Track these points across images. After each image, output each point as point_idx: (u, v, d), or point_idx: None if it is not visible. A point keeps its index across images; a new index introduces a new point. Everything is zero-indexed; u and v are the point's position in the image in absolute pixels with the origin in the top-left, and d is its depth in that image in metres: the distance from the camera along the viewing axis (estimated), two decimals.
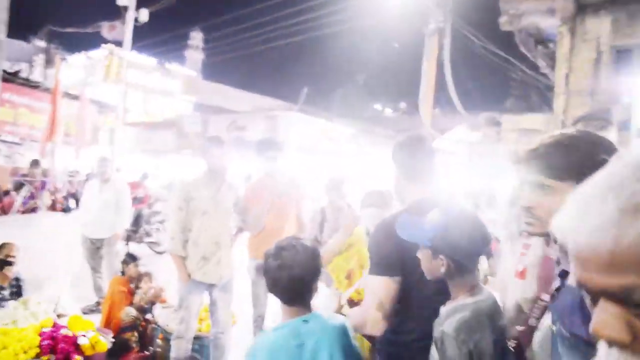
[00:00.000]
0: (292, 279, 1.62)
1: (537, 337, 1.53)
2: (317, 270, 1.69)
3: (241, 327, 4.40)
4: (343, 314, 2.05)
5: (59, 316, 3.86)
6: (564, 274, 1.29)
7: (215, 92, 25.79)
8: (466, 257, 1.62)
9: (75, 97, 10.82)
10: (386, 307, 1.77)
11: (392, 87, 32.81)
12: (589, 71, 9.44)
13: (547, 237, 1.85)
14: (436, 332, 1.60)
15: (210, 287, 3.66)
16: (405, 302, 1.82)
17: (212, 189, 3.66)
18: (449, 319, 1.59)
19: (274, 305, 4.40)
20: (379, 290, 1.78)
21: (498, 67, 13.42)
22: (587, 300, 0.63)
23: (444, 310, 1.64)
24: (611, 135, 8.42)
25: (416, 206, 1.92)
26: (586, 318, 1.16)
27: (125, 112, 15.66)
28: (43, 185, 5.94)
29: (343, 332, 1.73)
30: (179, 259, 3.54)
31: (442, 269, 1.62)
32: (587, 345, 1.14)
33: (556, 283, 1.34)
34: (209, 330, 4.11)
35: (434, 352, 1.63)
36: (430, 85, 10.47)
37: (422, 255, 1.65)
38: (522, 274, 1.96)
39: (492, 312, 1.64)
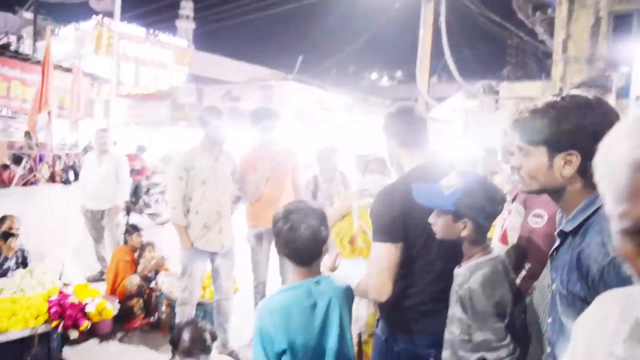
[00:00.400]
0: (303, 240, 1.64)
1: (536, 297, 1.60)
2: (326, 231, 1.71)
3: (243, 294, 4.50)
4: None
5: (64, 285, 3.93)
6: (562, 234, 1.34)
7: (208, 62, 25.46)
8: (488, 218, 1.68)
9: (67, 70, 10.67)
10: (389, 273, 1.81)
11: (388, 56, 32.49)
12: (587, 37, 9.39)
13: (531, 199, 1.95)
14: (462, 291, 1.65)
15: (213, 254, 3.72)
16: (408, 267, 1.85)
17: (210, 159, 3.68)
18: (473, 275, 1.65)
19: (274, 272, 4.51)
20: (382, 257, 1.81)
21: (495, 34, 13.30)
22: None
23: (462, 270, 1.69)
24: (609, 101, 8.43)
25: (416, 172, 1.94)
26: (583, 276, 1.23)
27: (118, 84, 15.49)
28: (41, 157, 5.92)
29: (350, 294, 1.78)
30: (181, 227, 3.58)
31: (465, 232, 1.66)
32: (584, 302, 1.20)
33: (556, 243, 1.38)
34: (212, 297, 4.21)
35: (455, 312, 1.68)
36: (427, 53, 10.38)
37: (442, 220, 1.68)
38: (503, 238, 2.05)
39: (504, 267, 1.71)
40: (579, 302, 1.24)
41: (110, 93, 10.16)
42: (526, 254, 1.98)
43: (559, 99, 1.29)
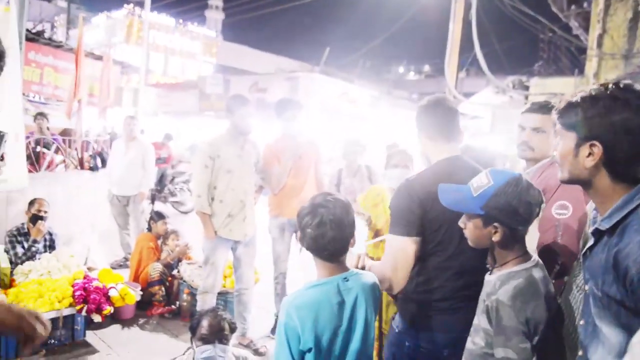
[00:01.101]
0: (332, 235, 1.59)
1: (566, 295, 1.53)
2: (353, 225, 1.66)
3: (263, 284, 4.51)
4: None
5: (89, 269, 4.01)
6: (597, 232, 1.29)
7: (235, 53, 25.58)
8: (523, 222, 1.54)
9: (98, 58, 10.84)
10: (405, 267, 1.77)
11: (415, 50, 32.05)
12: (624, 32, 9.03)
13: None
14: (489, 301, 1.55)
15: (235, 244, 3.74)
16: (427, 262, 1.81)
17: (236, 148, 3.68)
18: (503, 286, 1.53)
19: (294, 263, 4.50)
20: (399, 250, 1.78)
21: (528, 28, 12.93)
22: None
23: (493, 277, 1.59)
24: None
25: (438, 166, 1.90)
26: (620, 278, 1.17)
27: (147, 73, 15.71)
28: (70, 143, 6.05)
29: (375, 289, 1.73)
30: (205, 216, 3.60)
31: (496, 237, 1.55)
32: (620, 306, 1.17)
33: (590, 242, 1.33)
34: (232, 287, 4.23)
35: (480, 322, 1.60)
36: (456, 47, 10.18)
37: (470, 225, 1.58)
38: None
39: (542, 277, 1.57)
40: (615, 305, 1.19)
41: (140, 82, 10.29)
42: (556, 249, 1.92)
43: (603, 88, 1.25)
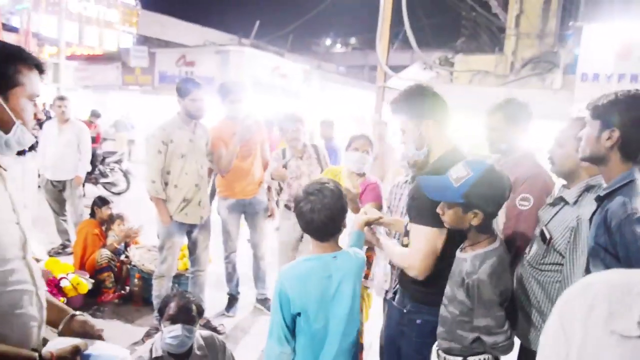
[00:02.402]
0: (323, 220, 1.79)
1: (524, 270, 2.08)
2: (344, 209, 1.86)
3: (214, 265, 4.56)
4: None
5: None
6: (599, 199, 1.68)
7: (158, 23, 24.31)
8: (497, 205, 1.76)
9: (12, 30, 9.92)
10: (434, 256, 1.90)
11: (343, 22, 32.17)
12: (538, 13, 9.73)
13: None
14: (469, 280, 1.74)
15: (191, 227, 3.76)
16: (448, 250, 1.92)
17: (188, 132, 3.66)
18: (482, 266, 1.73)
19: (245, 243, 4.59)
20: (430, 241, 1.88)
21: (451, 5, 13.49)
22: None
23: (468, 256, 1.77)
24: (556, 77, 8.89)
25: (452, 155, 1.97)
26: (606, 229, 1.55)
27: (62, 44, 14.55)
28: None
29: (362, 267, 1.95)
30: (160, 201, 3.58)
31: (475, 222, 1.74)
32: (605, 251, 1.56)
33: (593, 207, 1.72)
34: (185, 269, 4.26)
35: (456, 294, 1.79)
36: (387, 21, 10.37)
37: (451, 212, 1.76)
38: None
39: (507, 254, 1.83)
40: (603, 251, 1.56)
41: (60, 55, 9.56)
42: (516, 234, 2.25)
43: (626, 91, 1.66)
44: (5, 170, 1.43)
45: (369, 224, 2.21)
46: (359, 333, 1.97)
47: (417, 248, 1.92)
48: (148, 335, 3.64)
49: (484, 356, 1.80)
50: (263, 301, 4.45)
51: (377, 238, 2.21)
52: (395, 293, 2.17)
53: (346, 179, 3.34)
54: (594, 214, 1.70)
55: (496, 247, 1.78)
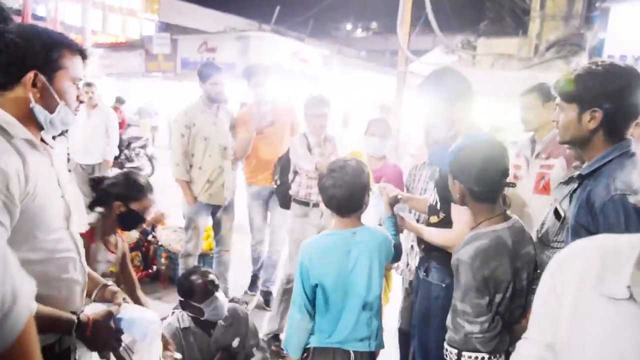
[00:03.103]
0: (343, 195, 1.88)
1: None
2: (365, 186, 1.93)
3: (239, 243, 4.69)
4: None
5: None
6: (580, 177, 1.64)
7: (179, 10, 24.46)
8: (477, 183, 1.65)
9: (39, 19, 10.18)
10: None
11: (363, 6, 31.79)
12: None
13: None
14: (453, 259, 1.70)
15: (215, 208, 3.88)
16: None
17: (211, 115, 3.76)
18: (465, 247, 1.65)
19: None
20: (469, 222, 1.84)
21: None
22: None
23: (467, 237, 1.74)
24: (582, 60, 8.71)
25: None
26: (589, 210, 1.54)
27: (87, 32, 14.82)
28: None
29: (383, 244, 2.00)
30: (184, 183, 3.71)
31: (456, 195, 1.74)
32: (587, 231, 1.54)
33: (574, 185, 1.68)
34: (210, 249, 4.40)
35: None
36: (409, 5, 10.28)
37: (450, 180, 1.78)
38: (544, 189, 2.30)
39: (517, 240, 1.66)
40: (584, 231, 1.55)
41: (85, 43, 9.77)
42: None
43: (594, 65, 1.54)
44: (52, 148, 1.54)
45: (392, 203, 2.24)
46: (380, 308, 2.01)
47: (459, 228, 1.89)
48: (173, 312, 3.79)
49: (479, 355, 1.65)
50: (266, 293, 4.30)
51: (408, 223, 2.23)
52: (426, 271, 2.14)
53: (366, 162, 3.38)
54: (574, 191, 1.67)
55: (494, 230, 1.66)
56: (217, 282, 2.61)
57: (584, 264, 0.94)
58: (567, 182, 2.05)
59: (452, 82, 2.05)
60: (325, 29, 32.22)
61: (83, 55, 1.54)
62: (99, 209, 2.30)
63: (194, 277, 2.58)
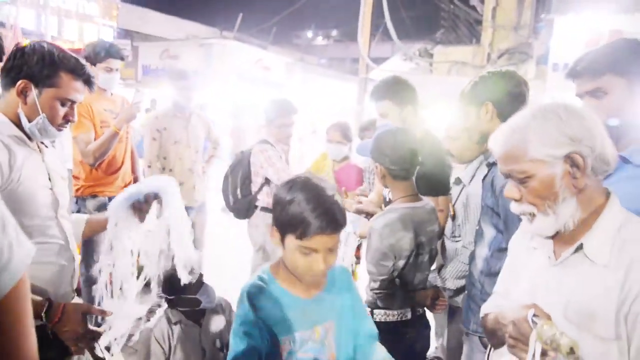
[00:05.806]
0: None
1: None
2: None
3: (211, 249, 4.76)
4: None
5: None
6: (489, 165, 1.90)
7: (139, 16, 24.10)
8: (392, 162, 1.95)
9: None
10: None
11: (324, 14, 32.23)
12: (514, 6, 10.08)
13: None
14: (368, 227, 2.03)
15: (188, 209, 3.96)
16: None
17: (182, 120, 3.91)
18: (379, 217, 1.98)
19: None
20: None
21: None
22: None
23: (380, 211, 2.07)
24: (530, 67, 9.25)
25: (424, 139, 2.37)
26: (493, 192, 1.81)
27: (44, 38, 14.44)
28: None
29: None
30: None
31: (379, 176, 2.02)
32: (492, 211, 1.81)
33: (485, 171, 1.94)
34: None
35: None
36: (369, 13, 10.64)
37: (373, 164, 2.08)
38: None
39: (424, 219, 2.01)
40: (490, 211, 1.81)
41: None
42: None
43: (486, 73, 1.93)
44: (46, 147, 1.67)
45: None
46: None
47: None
48: (151, 311, 3.87)
49: (381, 311, 1.97)
50: None
51: (360, 232, 2.49)
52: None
53: (329, 164, 3.66)
54: (485, 177, 1.93)
55: (405, 207, 1.98)
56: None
57: (524, 231, 1.30)
58: (457, 182, 2.33)
59: (403, 88, 2.36)
60: (287, 37, 32.42)
61: (88, 83, 1.66)
62: None
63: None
